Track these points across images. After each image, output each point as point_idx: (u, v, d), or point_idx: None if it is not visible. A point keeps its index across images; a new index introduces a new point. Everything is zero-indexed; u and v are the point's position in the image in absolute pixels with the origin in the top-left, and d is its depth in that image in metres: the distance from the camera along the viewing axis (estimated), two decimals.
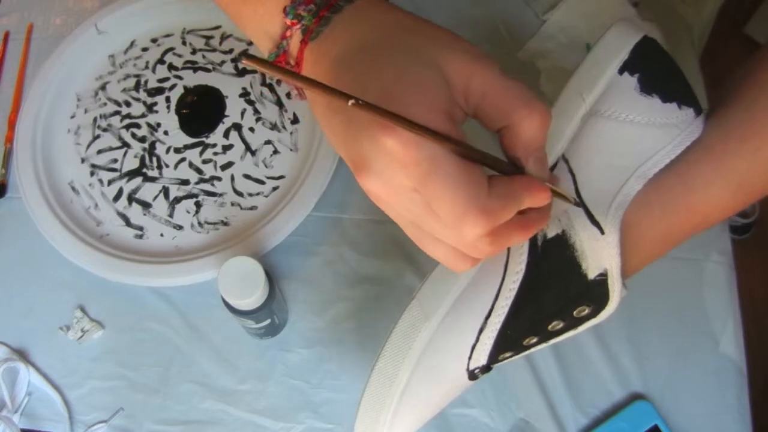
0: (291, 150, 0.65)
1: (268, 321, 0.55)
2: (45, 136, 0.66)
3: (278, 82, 0.68)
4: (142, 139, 0.66)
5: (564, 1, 0.71)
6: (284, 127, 0.66)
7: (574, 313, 0.41)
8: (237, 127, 0.67)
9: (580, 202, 0.41)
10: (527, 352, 0.43)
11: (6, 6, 0.75)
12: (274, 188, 0.64)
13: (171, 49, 0.70)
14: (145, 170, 0.65)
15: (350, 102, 0.30)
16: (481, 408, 0.57)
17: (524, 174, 0.35)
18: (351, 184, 0.64)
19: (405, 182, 0.32)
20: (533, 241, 0.41)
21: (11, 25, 0.74)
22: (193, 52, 0.70)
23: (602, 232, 0.40)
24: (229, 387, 0.58)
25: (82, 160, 0.66)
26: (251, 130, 0.66)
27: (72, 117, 0.68)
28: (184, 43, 0.71)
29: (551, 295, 0.41)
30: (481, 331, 0.42)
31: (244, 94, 0.68)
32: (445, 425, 0.56)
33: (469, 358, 0.42)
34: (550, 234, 0.41)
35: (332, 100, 0.30)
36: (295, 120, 0.67)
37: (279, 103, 0.67)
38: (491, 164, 0.35)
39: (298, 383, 0.58)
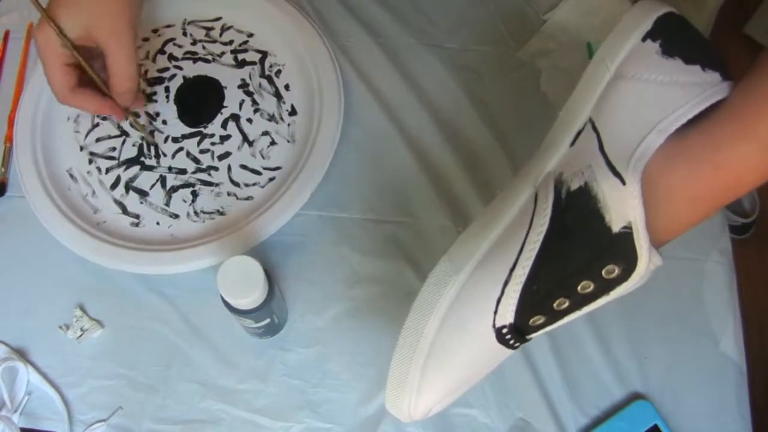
0: (288, 141, 0.66)
1: (267, 320, 0.55)
2: (44, 123, 0.66)
3: (277, 74, 0.68)
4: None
5: (565, 0, 0.71)
6: (282, 119, 0.66)
7: (603, 273, 0.41)
8: (235, 117, 0.67)
9: (603, 155, 0.41)
10: (562, 321, 0.43)
11: (6, 5, 0.75)
12: (271, 179, 0.64)
13: (171, 39, 0.70)
14: (142, 159, 0.65)
15: None
16: (481, 408, 0.57)
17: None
18: (351, 183, 0.65)
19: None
20: (557, 195, 0.42)
21: (11, 24, 0.74)
22: (194, 42, 0.70)
23: (624, 183, 0.40)
24: (228, 386, 0.58)
25: (81, 148, 0.66)
26: (249, 120, 0.66)
27: None
28: (184, 33, 0.71)
29: (575, 246, 0.41)
30: (506, 284, 0.41)
31: (243, 85, 0.68)
32: (445, 425, 0.56)
33: (495, 312, 0.42)
34: (574, 187, 0.41)
35: None
36: (292, 111, 0.67)
37: (277, 95, 0.67)
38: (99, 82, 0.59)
39: (297, 383, 0.58)
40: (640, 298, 0.60)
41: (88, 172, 0.65)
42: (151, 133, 0.66)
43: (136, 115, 0.66)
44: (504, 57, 0.69)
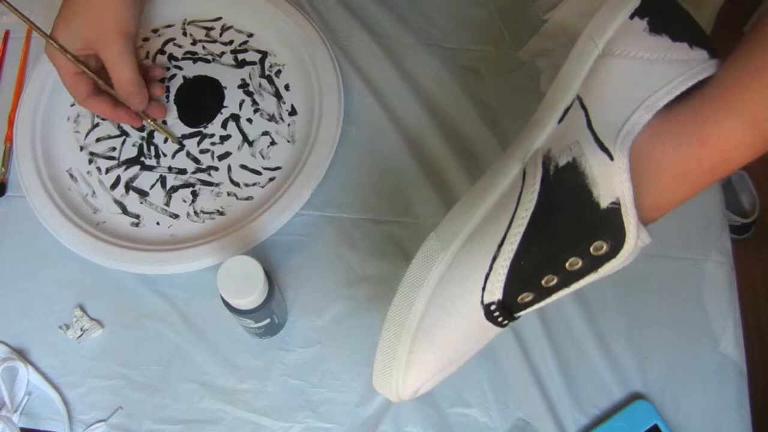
0: (288, 141, 0.66)
1: (267, 320, 0.55)
2: (45, 123, 0.66)
3: (277, 74, 0.68)
4: (141, 128, 0.67)
5: (565, 0, 0.70)
6: (282, 119, 0.66)
7: (591, 249, 0.40)
8: (235, 117, 0.67)
9: (592, 132, 0.41)
10: (550, 299, 0.42)
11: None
12: (271, 179, 0.64)
13: (171, 39, 0.70)
14: (143, 159, 0.65)
15: None
16: (480, 407, 0.57)
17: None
18: (350, 183, 0.65)
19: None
20: (545, 171, 0.42)
21: (11, 24, 0.74)
22: (194, 43, 0.70)
23: (611, 158, 0.40)
24: (228, 386, 0.58)
25: (81, 148, 0.66)
26: (249, 121, 0.66)
27: (72, 105, 0.68)
28: (184, 33, 0.71)
29: (563, 222, 0.41)
30: (494, 259, 0.41)
31: (243, 86, 0.68)
32: (445, 425, 0.56)
33: (483, 289, 0.42)
34: (562, 162, 0.41)
35: None
36: (292, 111, 0.67)
37: (277, 95, 0.67)
38: (108, 89, 0.62)
39: (297, 383, 0.58)
40: (640, 298, 0.60)
41: (88, 172, 0.65)
42: (151, 133, 0.66)
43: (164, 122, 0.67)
44: (504, 57, 0.69)
